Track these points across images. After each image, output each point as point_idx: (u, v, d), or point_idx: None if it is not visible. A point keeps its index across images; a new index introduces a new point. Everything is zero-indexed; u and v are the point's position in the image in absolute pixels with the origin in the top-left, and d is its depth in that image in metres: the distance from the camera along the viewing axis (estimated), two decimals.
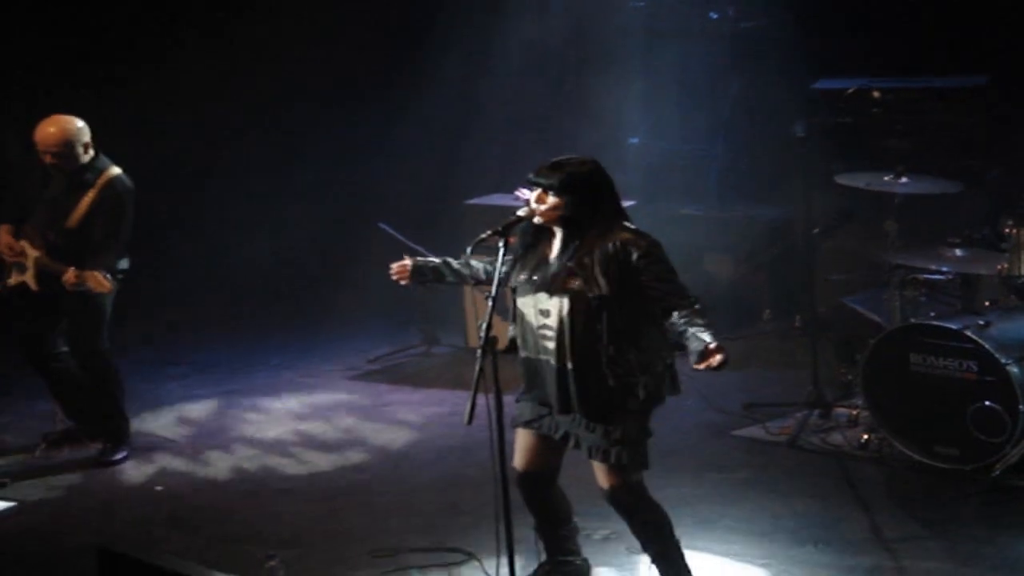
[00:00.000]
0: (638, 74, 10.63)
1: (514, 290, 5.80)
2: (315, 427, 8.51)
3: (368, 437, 8.32)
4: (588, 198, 5.68)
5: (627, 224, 5.71)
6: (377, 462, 7.93)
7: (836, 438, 7.80)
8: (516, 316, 5.81)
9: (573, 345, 5.64)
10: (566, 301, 5.63)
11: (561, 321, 5.65)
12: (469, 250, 5.91)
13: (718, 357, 5.43)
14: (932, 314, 7.54)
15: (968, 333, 7.17)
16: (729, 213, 10.23)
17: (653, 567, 5.93)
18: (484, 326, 5.56)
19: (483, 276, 6.05)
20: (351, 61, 11.07)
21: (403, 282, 6.19)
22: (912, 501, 7.03)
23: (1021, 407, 7.00)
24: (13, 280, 7.94)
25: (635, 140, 10.74)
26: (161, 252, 11.15)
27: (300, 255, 11.31)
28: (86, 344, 8.01)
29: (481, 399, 5.41)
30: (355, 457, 8.01)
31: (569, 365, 5.65)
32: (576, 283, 5.62)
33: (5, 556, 6.89)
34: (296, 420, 8.64)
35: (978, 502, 6.95)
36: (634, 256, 5.59)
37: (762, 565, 6.39)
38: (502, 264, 5.71)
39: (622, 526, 5.98)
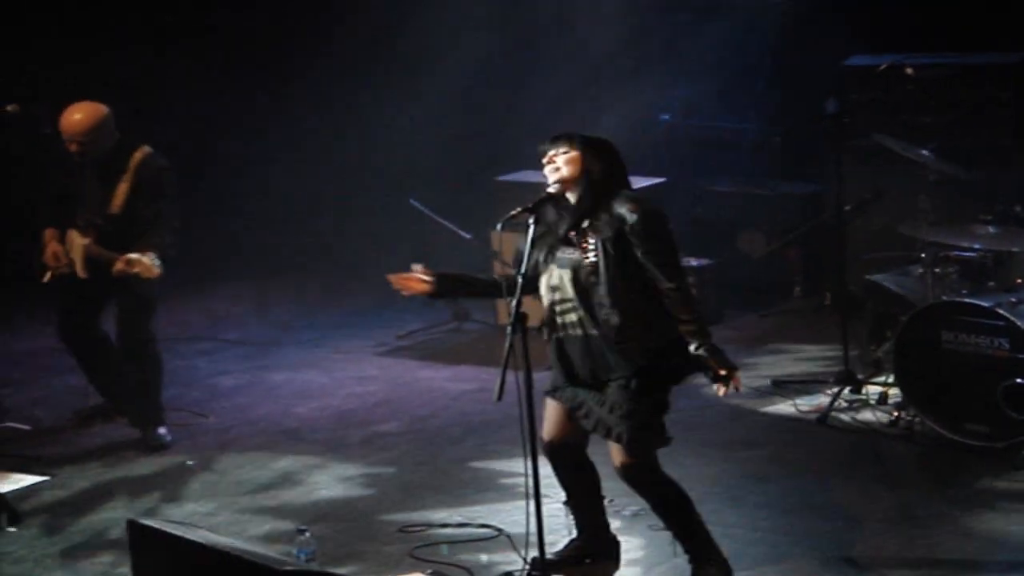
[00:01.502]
0: (669, 51, 10.60)
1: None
2: (345, 403, 8.53)
3: (398, 413, 8.33)
4: (601, 160, 5.71)
5: (635, 194, 5.73)
6: (407, 438, 7.94)
7: (866, 415, 7.79)
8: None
9: (588, 315, 5.65)
10: (567, 271, 5.66)
11: (569, 291, 5.67)
12: (500, 227, 5.90)
13: (722, 391, 5.59)
14: (964, 291, 7.51)
15: (1000, 311, 7.14)
16: (761, 190, 10.20)
17: (678, 543, 5.94)
18: (513, 303, 5.58)
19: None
20: (381, 33, 11.10)
21: (405, 293, 6.09)
22: (942, 479, 7.02)
23: None
24: (59, 271, 7.85)
25: (666, 117, 10.71)
26: (193, 228, 11.20)
27: (329, 230, 11.34)
28: (136, 331, 7.92)
29: (511, 375, 5.42)
30: (385, 433, 8.03)
31: (590, 332, 5.67)
32: (572, 252, 5.66)
33: (38, 529, 6.94)
34: (326, 396, 8.66)
35: (1008, 480, 6.93)
36: (628, 224, 5.60)
37: (791, 542, 6.39)
38: (532, 241, 5.70)
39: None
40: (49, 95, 11.06)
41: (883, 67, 8.09)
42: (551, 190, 5.77)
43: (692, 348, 5.59)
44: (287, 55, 11.29)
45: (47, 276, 7.86)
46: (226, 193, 11.31)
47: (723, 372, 5.62)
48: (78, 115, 7.69)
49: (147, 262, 7.42)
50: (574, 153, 5.70)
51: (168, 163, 7.84)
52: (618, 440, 5.69)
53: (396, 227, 10.54)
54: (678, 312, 5.61)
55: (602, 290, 5.62)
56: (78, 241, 7.78)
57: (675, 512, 5.87)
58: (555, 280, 5.73)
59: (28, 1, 11.08)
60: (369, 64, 11.28)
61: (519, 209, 5.73)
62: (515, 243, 5.97)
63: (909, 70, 7.82)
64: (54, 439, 8.14)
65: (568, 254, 5.71)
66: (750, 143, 10.44)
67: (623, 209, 5.63)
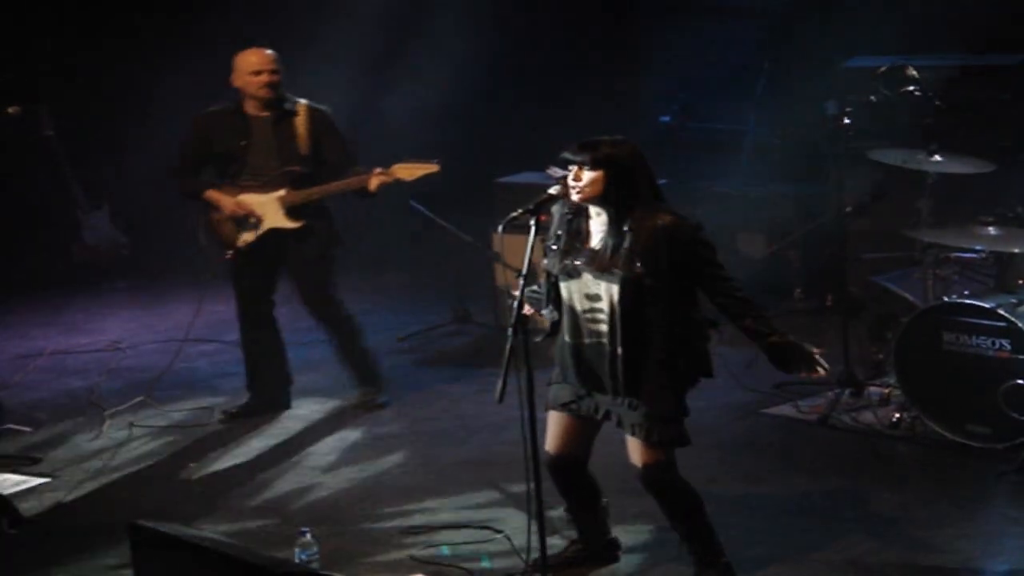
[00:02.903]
0: (669, 52, 10.60)
1: (551, 275, 5.79)
2: (346, 405, 8.51)
3: (399, 415, 8.33)
4: (625, 176, 5.65)
5: (668, 206, 5.70)
6: (408, 440, 7.94)
7: (867, 417, 7.78)
8: (557, 301, 5.80)
9: (625, 328, 5.62)
10: (616, 285, 5.62)
11: (612, 305, 5.63)
12: (501, 228, 5.90)
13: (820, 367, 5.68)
14: (965, 292, 7.51)
15: (1001, 311, 7.14)
16: (761, 191, 10.20)
17: (684, 545, 5.94)
18: (515, 304, 5.57)
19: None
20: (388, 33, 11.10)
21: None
22: (943, 480, 7.02)
23: None
24: (245, 239, 8.02)
25: (667, 119, 10.71)
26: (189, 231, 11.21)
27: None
28: (319, 293, 8.14)
29: (512, 377, 5.42)
30: (387, 435, 8.03)
31: (619, 348, 5.64)
32: (625, 267, 5.60)
33: (39, 531, 6.93)
34: (327, 398, 8.65)
35: (1010, 481, 6.93)
36: (683, 240, 5.58)
37: (791, 544, 6.38)
38: (533, 242, 5.69)
39: (653, 505, 5.98)
40: (50, 98, 11.12)
41: (884, 68, 8.09)
42: (552, 191, 5.76)
43: (771, 339, 5.65)
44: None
45: (229, 254, 8.07)
46: None
47: (811, 351, 5.68)
48: (264, 49, 7.88)
49: (404, 165, 7.74)
50: (598, 173, 5.64)
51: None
52: (660, 441, 5.68)
53: (396, 229, 10.54)
54: (748, 311, 5.63)
55: (653, 306, 5.60)
56: (268, 198, 7.90)
57: (687, 515, 5.87)
58: (594, 290, 5.70)
59: (29, 4, 11.09)
60: (366, 62, 11.26)
61: (520, 210, 5.72)
62: (517, 246, 5.95)
63: (910, 71, 7.82)
64: (55, 441, 8.13)
65: (614, 266, 5.62)
66: (750, 145, 10.44)
67: (671, 225, 5.59)
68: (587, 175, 5.65)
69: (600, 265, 5.65)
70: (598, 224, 5.71)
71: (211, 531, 6.58)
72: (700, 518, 5.88)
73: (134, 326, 10.36)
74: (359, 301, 9.69)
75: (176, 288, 10.74)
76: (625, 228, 5.62)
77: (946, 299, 7.45)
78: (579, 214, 5.77)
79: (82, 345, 9.94)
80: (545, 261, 5.83)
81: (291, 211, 7.95)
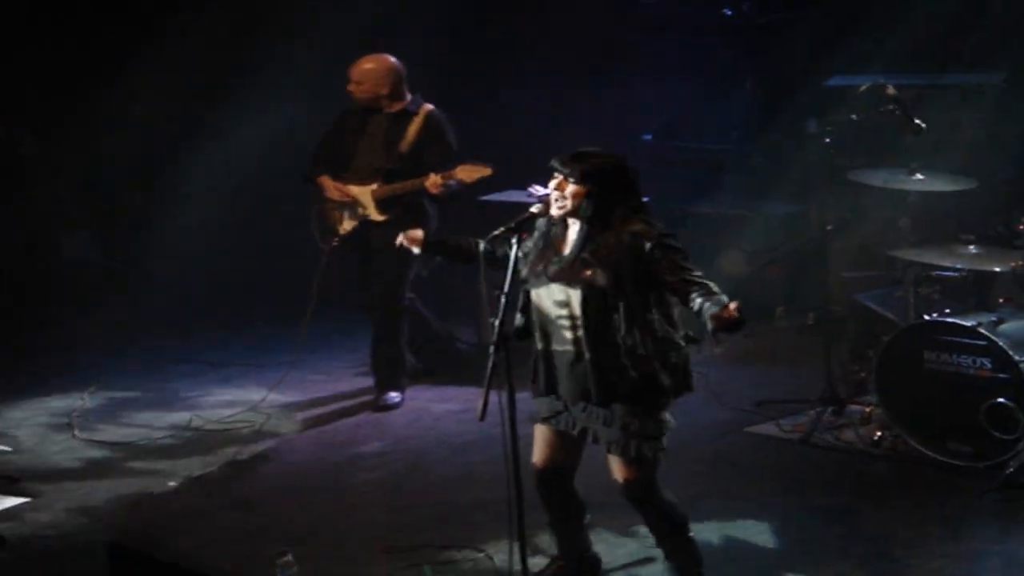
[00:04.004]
0: (651, 71, 10.62)
1: (525, 281, 5.79)
2: (326, 424, 8.50)
3: (381, 434, 8.32)
4: (609, 191, 5.65)
5: (643, 217, 5.69)
6: (390, 458, 7.93)
7: (849, 435, 7.78)
8: (529, 307, 5.81)
9: (590, 336, 5.63)
10: (581, 292, 5.62)
11: (578, 312, 5.64)
12: (483, 246, 5.90)
13: (733, 305, 5.36)
14: (946, 311, 7.52)
15: (982, 330, 7.15)
16: (743, 210, 10.22)
17: (667, 561, 5.93)
18: (497, 322, 5.56)
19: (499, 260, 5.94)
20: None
21: (415, 249, 6.25)
22: (925, 498, 7.01)
23: None
24: (346, 226, 8.60)
25: (648, 137, 10.73)
26: (168, 249, 11.20)
27: (308, 252, 11.30)
28: (387, 286, 8.57)
29: (494, 395, 5.41)
30: (368, 454, 8.02)
31: (587, 355, 5.64)
32: (591, 274, 5.60)
33: (17, 552, 6.90)
34: (307, 417, 8.64)
35: (991, 499, 6.93)
36: (647, 246, 5.56)
37: (772, 563, 6.38)
38: (515, 260, 5.69)
39: (637, 520, 5.97)
40: (33, 119, 11.11)
41: (864, 87, 8.11)
42: (534, 210, 5.76)
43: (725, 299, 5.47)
44: (256, 66, 11.25)
45: (335, 241, 8.62)
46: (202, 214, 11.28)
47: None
48: (360, 61, 8.57)
49: (466, 167, 8.18)
50: (582, 187, 5.64)
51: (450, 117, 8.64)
52: (637, 456, 5.67)
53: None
54: (710, 290, 5.51)
55: (618, 313, 5.61)
56: (362, 190, 8.51)
57: (672, 532, 5.87)
58: (562, 296, 5.70)
59: (11, 25, 11.06)
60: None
61: (503, 228, 5.73)
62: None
63: (890, 90, 7.84)
64: (34, 460, 8.09)
65: (580, 274, 5.63)
66: (732, 163, 10.46)
67: (638, 233, 5.57)
68: (571, 188, 5.65)
69: (567, 272, 5.66)
70: (573, 232, 5.72)
71: (190, 551, 6.57)
72: (685, 535, 5.88)
73: (111, 347, 10.28)
74: (338, 317, 9.71)
75: (159, 305, 10.72)
76: (596, 237, 5.63)
77: (927, 317, 7.46)
78: (558, 222, 5.77)
79: (60, 363, 9.90)
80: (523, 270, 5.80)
81: (380, 204, 8.46)
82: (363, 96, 8.57)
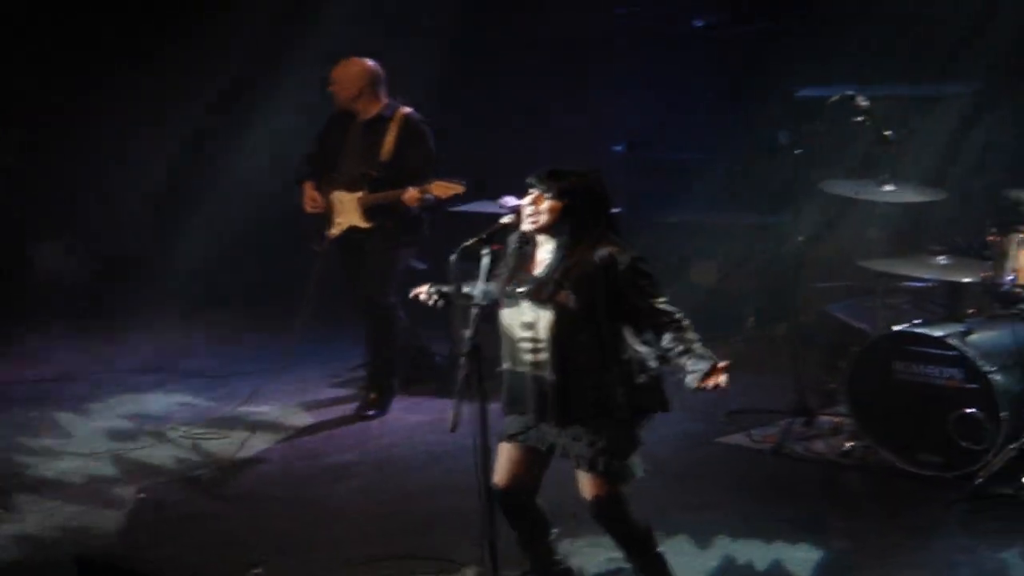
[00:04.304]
0: (621, 82, 10.63)
1: (496, 302, 5.78)
2: (300, 434, 8.49)
3: (354, 445, 8.30)
4: (582, 210, 5.65)
5: (614, 237, 5.69)
6: (362, 469, 7.91)
7: (819, 446, 7.81)
8: (499, 328, 5.79)
9: (556, 357, 5.61)
10: (550, 313, 5.62)
11: (546, 333, 5.62)
12: (454, 257, 5.89)
13: (723, 377, 5.42)
14: (916, 321, 7.55)
15: (951, 341, 7.18)
16: (714, 220, 10.24)
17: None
18: (469, 334, 5.56)
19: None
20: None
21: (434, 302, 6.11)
22: (895, 508, 7.04)
23: (1003, 415, 7.02)
24: (334, 231, 8.61)
25: (619, 148, 10.74)
26: (146, 258, 11.19)
27: (282, 263, 11.30)
28: (374, 288, 8.57)
29: (466, 406, 5.41)
30: (341, 464, 8.00)
31: (550, 376, 5.63)
32: (560, 295, 5.59)
33: None
34: (280, 427, 8.62)
35: (960, 510, 6.96)
36: (619, 269, 5.56)
37: (745, 572, 6.39)
38: (488, 271, 5.69)
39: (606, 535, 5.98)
40: (22, 126, 11.10)
41: (834, 99, 8.15)
42: (505, 220, 5.76)
43: (706, 359, 5.48)
44: (236, 86, 11.26)
45: (325, 242, 8.64)
46: (188, 224, 11.29)
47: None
48: (342, 63, 8.62)
49: (441, 183, 8.23)
50: (557, 203, 5.64)
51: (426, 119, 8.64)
52: (605, 471, 5.66)
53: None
54: (686, 334, 5.54)
55: (586, 335, 5.60)
56: (347, 197, 8.54)
57: (639, 548, 5.87)
58: (530, 318, 5.68)
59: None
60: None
61: (474, 239, 5.72)
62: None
63: (861, 101, 7.88)
64: (4, 474, 8.05)
65: (549, 295, 5.62)
66: (703, 174, 10.48)
67: (610, 255, 5.57)
68: (547, 203, 5.65)
69: (537, 293, 5.65)
70: (544, 252, 5.72)
71: (161, 564, 6.54)
72: (652, 550, 5.87)
73: (85, 358, 10.25)
74: (311, 328, 9.69)
75: (136, 320, 10.69)
76: (567, 258, 5.63)
77: (896, 328, 7.49)
78: (529, 240, 5.77)
79: (32, 375, 9.86)
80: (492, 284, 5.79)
81: (367, 212, 8.49)
82: (339, 97, 8.61)
